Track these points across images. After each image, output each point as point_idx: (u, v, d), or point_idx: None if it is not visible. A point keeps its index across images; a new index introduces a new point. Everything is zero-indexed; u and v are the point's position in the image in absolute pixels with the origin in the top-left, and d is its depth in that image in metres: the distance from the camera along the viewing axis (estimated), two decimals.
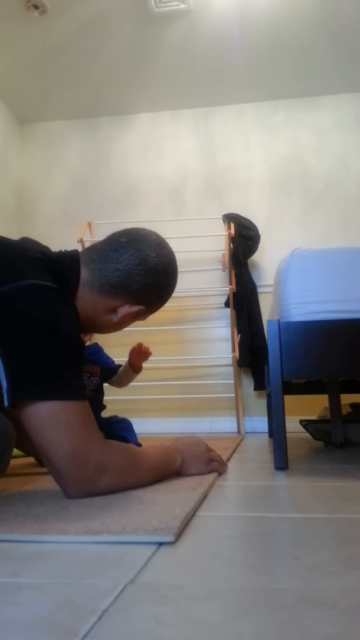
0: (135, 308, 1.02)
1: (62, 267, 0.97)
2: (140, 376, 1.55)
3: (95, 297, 0.99)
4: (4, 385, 0.83)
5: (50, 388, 0.83)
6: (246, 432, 3.17)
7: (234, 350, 3.23)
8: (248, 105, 3.74)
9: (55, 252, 1.02)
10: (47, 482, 1.09)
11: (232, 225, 3.37)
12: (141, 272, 1.00)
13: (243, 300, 3.28)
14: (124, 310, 1.01)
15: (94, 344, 1.66)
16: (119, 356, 3.38)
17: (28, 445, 1.19)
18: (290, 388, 2.16)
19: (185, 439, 1.18)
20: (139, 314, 1.05)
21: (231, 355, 3.20)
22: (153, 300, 1.05)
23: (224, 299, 3.38)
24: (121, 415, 1.67)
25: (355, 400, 2.28)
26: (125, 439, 1.52)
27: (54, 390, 0.83)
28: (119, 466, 0.91)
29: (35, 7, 2.79)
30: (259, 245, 3.44)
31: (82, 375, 0.90)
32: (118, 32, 3.01)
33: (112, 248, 1.01)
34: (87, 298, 0.99)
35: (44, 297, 0.86)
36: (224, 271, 3.47)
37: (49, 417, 0.83)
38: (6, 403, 0.83)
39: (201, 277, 3.46)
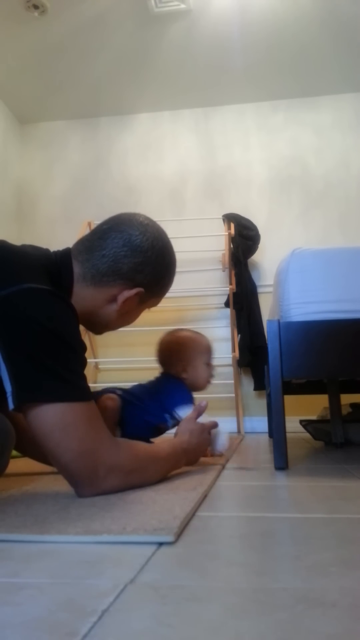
0: (134, 291, 1.00)
1: (60, 267, 0.98)
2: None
3: (91, 289, 0.99)
4: (8, 389, 0.83)
5: (55, 390, 0.83)
6: (246, 432, 3.17)
7: (234, 350, 3.23)
8: (248, 105, 3.74)
9: (52, 253, 1.02)
10: (47, 482, 1.09)
11: (232, 225, 3.37)
12: (127, 253, 0.99)
13: (243, 300, 3.28)
14: (123, 296, 1.00)
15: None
16: (119, 356, 3.39)
17: (26, 446, 1.19)
18: (290, 388, 2.16)
19: (196, 433, 1.19)
20: (142, 299, 1.04)
21: (231, 355, 3.20)
22: (151, 280, 1.03)
23: (224, 299, 3.38)
24: None
25: (355, 400, 2.28)
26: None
27: (59, 393, 0.83)
28: (127, 465, 0.91)
29: (35, 7, 2.79)
30: (259, 245, 3.44)
31: (85, 376, 0.91)
32: (118, 32, 3.01)
33: (96, 237, 1.02)
34: (84, 293, 0.99)
35: (44, 300, 0.86)
36: (224, 271, 3.47)
37: (56, 420, 0.83)
38: (11, 406, 0.83)
39: (201, 277, 3.46)
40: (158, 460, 1.01)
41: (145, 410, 1.41)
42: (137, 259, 1.00)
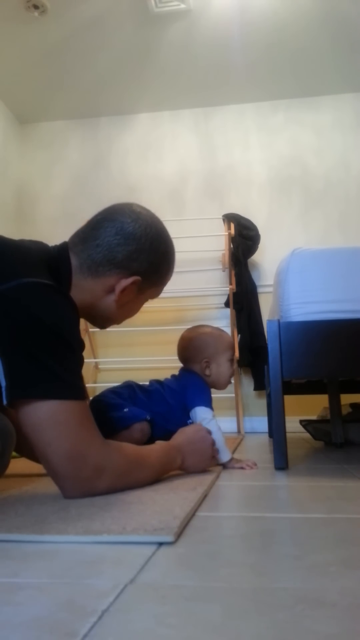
0: (130, 279, 1.00)
1: (58, 261, 0.98)
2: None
3: (88, 281, 0.99)
4: (3, 384, 0.83)
5: (49, 387, 0.82)
6: (246, 432, 3.17)
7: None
8: (248, 105, 3.74)
9: (50, 247, 1.02)
10: (47, 483, 1.09)
11: (232, 225, 3.37)
12: (120, 241, 0.99)
13: (243, 300, 3.28)
14: (120, 285, 1.00)
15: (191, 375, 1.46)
16: (119, 356, 3.39)
17: (22, 446, 1.18)
18: (290, 388, 2.16)
19: (190, 432, 1.17)
20: (141, 288, 1.03)
21: None
22: (147, 268, 1.02)
23: (224, 299, 3.38)
24: None
25: (355, 400, 2.28)
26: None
27: (52, 390, 0.83)
28: (118, 467, 0.90)
29: (35, 7, 2.79)
30: (259, 245, 3.44)
31: (81, 374, 0.90)
32: (118, 32, 3.01)
33: (90, 227, 1.02)
34: (82, 285, 0.99)
35: (44, 296, 0.86)
36: (224, 271, 3.47)
37: (48, 417, 0.82)
38: (5, 402, 0.83)
39: (201, 277, 3.46)
40: (149, 462, 0.99)
41: (169, 421, 1.36)
42: (130, 247, 0.99)
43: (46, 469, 0.87)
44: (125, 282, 1.00)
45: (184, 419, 1.37)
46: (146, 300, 1.10)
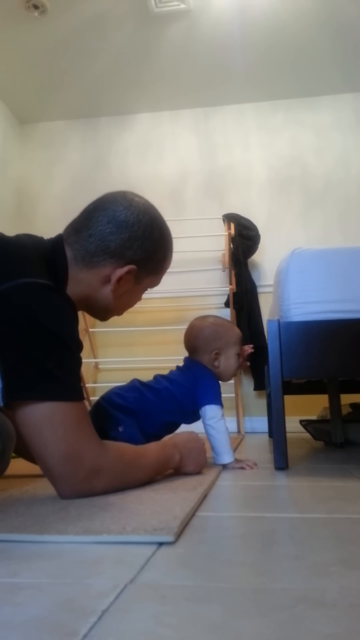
0: (125, 269, 0.98)
1: (53, 255, 0.97)
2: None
3: (83, 272, 0.98)
4: (0, 385, 0.83)
5: (46, 389, 0.82)
6: (246, 432, 3.17)
7: None
8: (248, 105, 3.74)
9: (47, 240, 1.01)
10: (47, 483, 1.09)
11: (232, 225, 3.37)
12: (113, 230, 0.97)
13: (243, 300, 3.28)
14: (115, 275, 0.98)
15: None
16: (119, 356, 3.39)
17: (23, 448, 1.18)
18: (290, 388, 2.16)
19: (184, 435, 1.18)
20: (138, 277, 1.01)
21: None
22: (142, 256, 1.00)
23: (224, 299, 3.38)
24: None
25: (355, 400, 2.28)
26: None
27: (49, 391, 0.82)
28: (114, 467, 0.90)
29: (35, 7, 2.79)
30: (259, 245, 3.44)
31: (80, 375, 0.90)
32: (118, 32, 3.01)
33: (83, 217, 1.01)
34: (78, 277, 0.98)
35: (42, 296, 0.85)
36: (224, 271, 3.47)
37: (44, 418, 0.82)
38: (1, 403, 0.83)
39: (201, 277, 3.46)
40: (146, 461, 0.99)
41: (180, 416, 1.35)
42: (123, 235, 0.98)
43: (42, 469, 0.87)
44: (121, 271, 0.98)
45: (195, 416, 1.36)
46: (145, 289, 1.08)
